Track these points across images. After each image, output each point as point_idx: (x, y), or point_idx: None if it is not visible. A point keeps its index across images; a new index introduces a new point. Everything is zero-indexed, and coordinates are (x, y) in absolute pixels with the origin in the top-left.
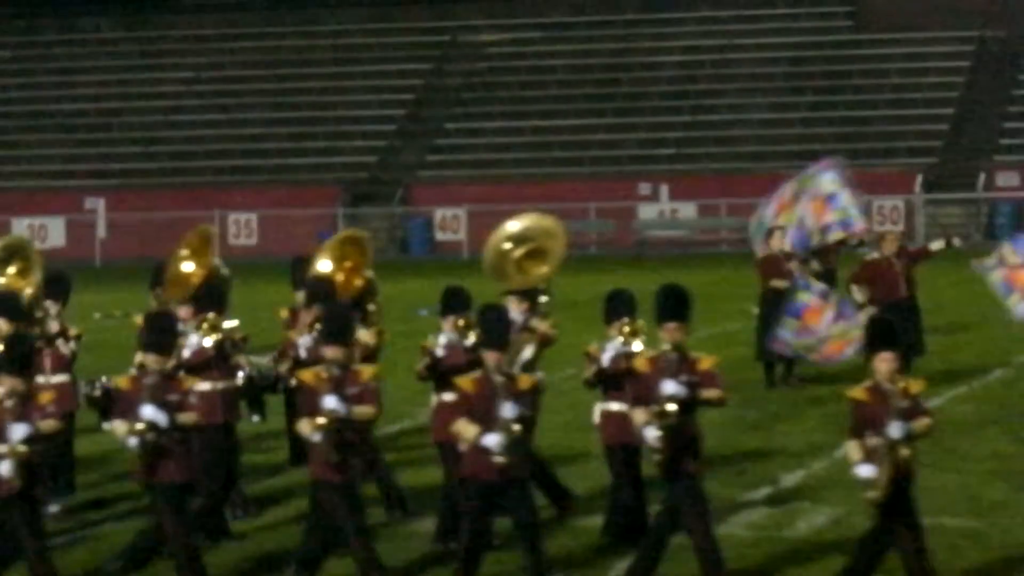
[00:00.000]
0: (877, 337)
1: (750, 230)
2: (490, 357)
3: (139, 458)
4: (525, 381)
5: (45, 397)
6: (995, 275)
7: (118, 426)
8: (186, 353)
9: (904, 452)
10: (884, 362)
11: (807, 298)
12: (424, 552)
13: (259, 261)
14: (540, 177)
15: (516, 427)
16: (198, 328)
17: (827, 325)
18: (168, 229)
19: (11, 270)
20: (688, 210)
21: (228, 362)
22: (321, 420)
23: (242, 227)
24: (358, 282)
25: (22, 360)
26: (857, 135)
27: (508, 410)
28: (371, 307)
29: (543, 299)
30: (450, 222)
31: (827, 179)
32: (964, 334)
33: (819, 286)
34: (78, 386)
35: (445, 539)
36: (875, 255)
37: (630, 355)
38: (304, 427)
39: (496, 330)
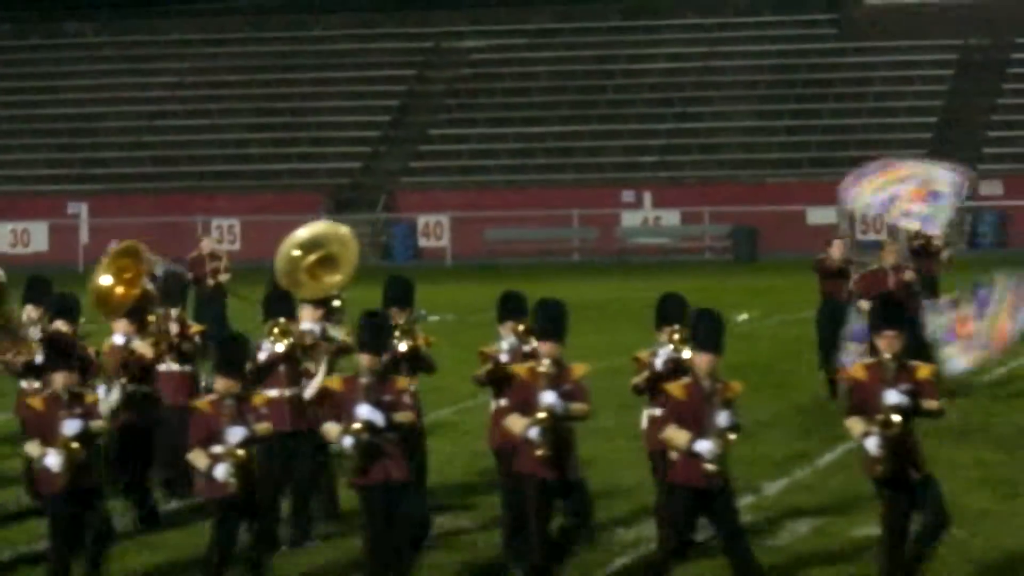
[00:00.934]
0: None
1: (848, 199)
2: (702, 361)
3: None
4: (735, 388)
5: (259, 400)
6: (943, 319)
7: (331, 427)
8: (262, 356)
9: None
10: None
11: (945, 320)
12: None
13: (241, 267)
14: (523, 184)
15: (732, 436)
16: (269, 334)
17: (978, 324)
18: (151, 234)
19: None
20: (671, 217)
21: (297, 368)
22: (541, 415)
23: (225, 232)
24: (135, 292)
25: (238, 362)
26: (841, 143)
27: (723, 419)
28: (336, 303)
29: (336, 303)
30: (433, 228)
31: (945, 178)
32: None
33: (943, 301)
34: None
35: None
36: (874, 266)
37: (679, 361)
38: (516, 424)
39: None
